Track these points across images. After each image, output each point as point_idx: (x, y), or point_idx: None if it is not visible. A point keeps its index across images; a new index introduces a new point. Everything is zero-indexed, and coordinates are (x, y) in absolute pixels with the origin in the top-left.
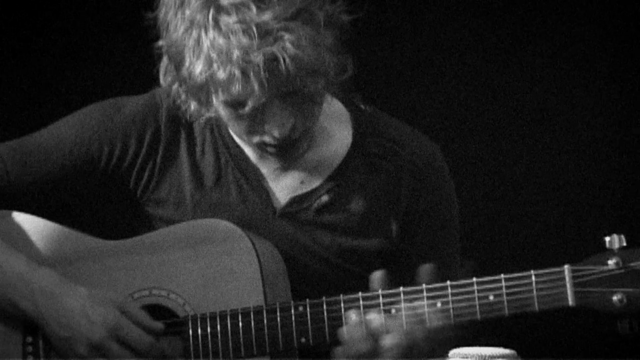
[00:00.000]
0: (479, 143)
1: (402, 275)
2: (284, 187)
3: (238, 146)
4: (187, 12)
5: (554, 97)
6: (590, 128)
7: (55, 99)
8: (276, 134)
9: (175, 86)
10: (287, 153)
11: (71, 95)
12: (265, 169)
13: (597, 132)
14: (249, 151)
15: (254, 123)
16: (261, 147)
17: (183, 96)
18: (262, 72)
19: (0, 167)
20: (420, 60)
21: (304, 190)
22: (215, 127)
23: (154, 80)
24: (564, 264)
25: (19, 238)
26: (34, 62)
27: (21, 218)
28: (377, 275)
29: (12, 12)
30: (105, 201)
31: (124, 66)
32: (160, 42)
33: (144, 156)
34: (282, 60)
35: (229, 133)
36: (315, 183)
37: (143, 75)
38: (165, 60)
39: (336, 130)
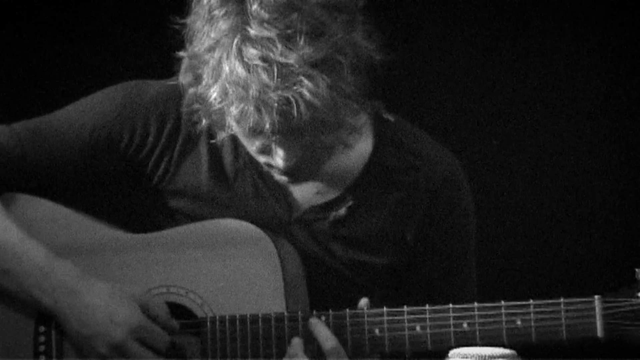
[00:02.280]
0: (507, 167)
1: (411, 293)
2: (301, 194)
3: None
4: (214, 32)
5: (585, 123)
6: (625, 155)
7: (72, 79)
8: (281, 165)
9: (191, 91)
10: (292, 177)
11: (89, 76)
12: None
13: (633, 159)
14: None
15: (264, 148)
16: (269, 167)
17: (196, 109)
18: (274, 114)
19: (17, 147)
20: (447, 70)
21: (321, 201)
22: None
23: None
24: (592, 293)
25: (40, 224)
26: (51, 43)
27: (43, 204)
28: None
29: None
30: (122, 188)
31: (143, 50)
32: (181, 53)
33: (163, 144)
34: (295, 106)
35: None
36: (332, 195)
37: (163, 61)
38: (186, 63)
39: (356, 142)
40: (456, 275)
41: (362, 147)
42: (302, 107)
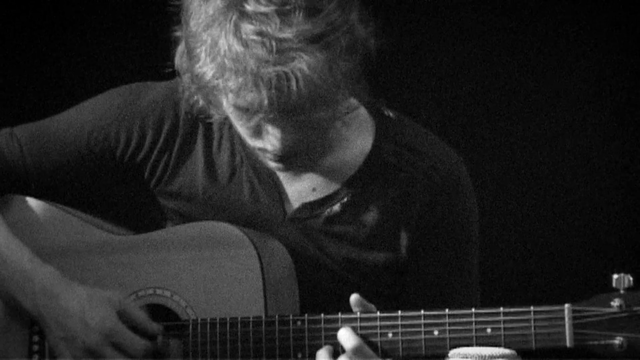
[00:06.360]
0: (483, 173)
1: (407, 293)
2: (296, 191)
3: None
4: (211, 9)
5: (564, 123)
6: (602, 160)
7: (72, 83)
8: (277, 145)
9: (186, 77)
10: (286, 164)
11: (87, 80)
12: (280, 171)
13: (609, 164)
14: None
15: (258, 129)
16: (262, 152)
17: (193, 89)
18: (272, 89)
19: (17, 151)
20: (448, 67)
21: (316, 197)
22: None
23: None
24: (566, 301)
25: (31, 224)
26: (51, 48)
27: (35, 204)
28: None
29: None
30: (119, 190)
31: (141, 52)
32: (178, 33)
33: (161, 147)
34: (294, 80)
35: None
36: (328, 191)
37: (160, 63)
38: (182, 46)
39: (355, 138)
40: (454, 278)
41: (362, 143)
42: (300, 82)
